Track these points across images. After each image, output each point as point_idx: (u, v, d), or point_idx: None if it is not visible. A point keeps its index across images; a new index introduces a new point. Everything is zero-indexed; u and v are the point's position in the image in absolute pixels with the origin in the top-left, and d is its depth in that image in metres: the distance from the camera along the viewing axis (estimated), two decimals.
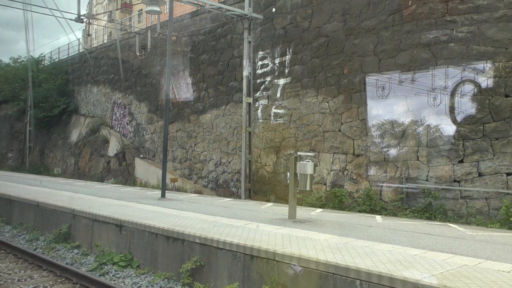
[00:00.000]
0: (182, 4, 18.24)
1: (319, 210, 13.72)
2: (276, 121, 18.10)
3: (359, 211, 13.77)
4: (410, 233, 9.23)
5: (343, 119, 15.62)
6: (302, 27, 17.42)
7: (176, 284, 8.03)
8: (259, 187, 18.26)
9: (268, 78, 18.63)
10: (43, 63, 40.36)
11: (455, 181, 12.79)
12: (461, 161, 12.76)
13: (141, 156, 26.35)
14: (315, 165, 10.40)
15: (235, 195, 18.95)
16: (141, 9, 42.71)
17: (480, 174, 12.45)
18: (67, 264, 9.45)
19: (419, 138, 13.53)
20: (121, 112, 29.38)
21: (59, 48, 39.96)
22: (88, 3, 54.25)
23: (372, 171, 14.53)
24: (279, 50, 18.33)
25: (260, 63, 19.10)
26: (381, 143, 14.46)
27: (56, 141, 35.43)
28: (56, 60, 39.47)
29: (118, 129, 29.60)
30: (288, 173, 16.31)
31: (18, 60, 42.82)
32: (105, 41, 36.07)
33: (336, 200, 14.55)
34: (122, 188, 21.12)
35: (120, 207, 12.10)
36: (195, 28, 22.93)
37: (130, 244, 9.51)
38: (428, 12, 13.62)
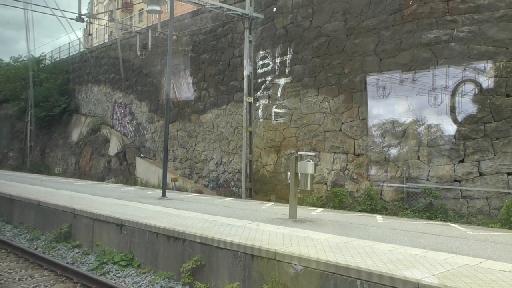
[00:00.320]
0: (182, 3, 18.26)
1: (319, 209, 13.71)
2: (276, 120, 18.10)
3: (360, 211, 13.77)
4: (410, 233, 9.23)
5: (344, 118, 15.62)
6: (303, 26, 17.42)
7: (177, 283, 8.03)
8: (260, 186, 18.26)
9: (269, 78, 18.63)
10: (44, 62, 40.37)
11: (456, 180, 12.78)
12: (462, 161, 12.76)
13: (142, 155, 26.36)
14: (316, 165, 10.39)
15: (235, 195, 18.95)
16: (142, 9, 42.72)
17: (481, 174, 12.44)
18: (67, 263, 9.45)
19: (420, 137, 13.52)
20: (122, 111, 29.39)
21: (59, 47, 40.01)
22: (89, 2, 54.28)
23: (373, 171, 14.52)
24: (279, 49, 18.32)
25: (260, 62, 19.10)
26: (381, 143, 14.45)
27: (56, 141, 35.46)
28: (57, 59, 39.48)
29: (118, 129, 29.61)
30: (289, 173, 16.34)
31: (19, 60, 42.83)
32: (106, 40, 36.09)
33: (336, 199, 14.55)
34: (123, 187, 21.13)
35: (120, 206, 12.10)
36: (196, 27, 22.93)
37: (130, 244, 9.51)
38: (429, 12, 13.61)
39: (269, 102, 18.53)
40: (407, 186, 13.50)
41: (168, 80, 15.57)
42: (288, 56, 17.91)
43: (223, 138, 20.69)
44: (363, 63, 15.18)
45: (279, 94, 18.11)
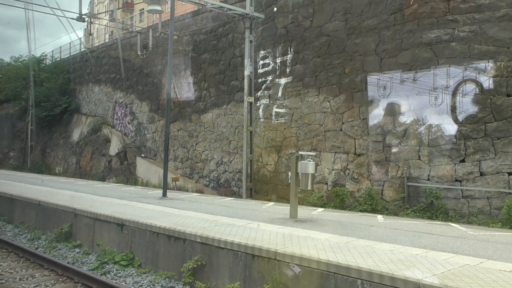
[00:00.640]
0: (183, 3, 18.26)
1: (320, 209, 13.71)
2: (277, 120, 18.09)
3: (361, 211, 13.76)
4: (411, 233, 9.22)
5: (345, 118, 15.61)
6: (304, 26, 17.41)
7: (177, 283, 8.04)
8: (261, 186, 18.27)
9: (270, 78, 18.63)
10: (44, 62, 40.40)
11: (456, 180, 12.77)
12: (462, 161, 12.75)
13: (143, 155, 26.37)
14: (317, 165, 10.38)
15: (236, 195, 18.96)
16: (143, 8, 42.74)
17: (481, 174, 12.43)
18: (68, 263, 9.46)
19: (421, 137, 13.52)
20: (123, 111, 29.41)
21: (60, 47, 40.04)
22: (90, 2, 54.30)
23: (374, 171, 14.52)
24: (280, 49, 18.32)
25: (261, 62, 19.10)
26: (382, 143, 14.44)
27: (57, 140, 35.49)
28: (58, 59, 39.51)
29: (119, 128, 29.63)
30: (290, 173, 16.34)
31: (20, 59, 42.87)
32: (107, 40, 36.11)
33: (337, 199, 14.54)
34: (124, 187, 21.14)
35: (121, 206, 12.11)
36: (197, 27, 22.93)
37: (131, 243, 9.52)
38: (430, 11, 13.60)
39: (269, 102, 18.53)
40: (408, 186, 13.50)
41: (169, 80, 15.57)
42: (288, 56, 17.90)
43: (223, 138, 20.70)
44: (364, 63, 15.17)
45: (279, 94, 18.11)
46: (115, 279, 8.50)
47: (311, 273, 6.18)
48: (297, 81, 17.44)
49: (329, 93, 16.15)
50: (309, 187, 9.90)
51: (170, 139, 23.27)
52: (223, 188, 20.15)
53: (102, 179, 27.58)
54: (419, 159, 13.49)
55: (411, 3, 14.03)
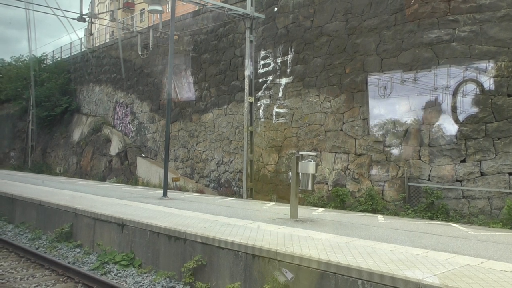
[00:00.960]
0: (184, 3, 18.26)
1: (321, 209, 13.71)
2: (278, 120, 18.09)
3: (361, 211, 13.76)
4: (412, 233, 9.22)
5: (345, 118, 15.60)
6: (304, 26, 17.41)
7: (178, 283, 8.03)
8: (261, 186, 18.26)
9: (270, 78, 18.63)
10: (45, 62, 40.42)
11: (457, 180, 12.76)
12: (463, 161, 12.74)
13: (143, 155, 26.38)
14: (317, 165, 10.37)
15: (236, 195, 18.95)
16: (143, 8, 42.76)
17: (482, 174, 12.42)
18: (69, 263, 9.46)
19: (421, 137, 13.51)
20: (123, 111, 29.42)
21: (61, 47, 40.05)
22: (90, 2, 54.33)
23: (374, 171, 14.51)
24: (281, 49, 18.32)
25: (262, 62, 19.10)
26: (383, 143, 14.44)
27: (58, 140, 35.50)
28: (58, 59, 39.52)
29: (120, 128, 29.64)
30: (290, 173, 16.34)
31: (21, 59, 42.88)
32: (107, 40, 36.12)
33: (338, 199, 14.54)
34: (124, 187, 21.15)
35: (122, 206, 12.11)
36: (197, 27, 22.93)
37: (132, 243, 9.52)
38: (430, 12, 13.59)
39: (270, 102, 18.53)
40: (408, 186, 13.49)
41: (170, 80, 15.57)
42: (289, 56, 17.90)
43: (224, 138, 20.70)
44: (365, 63, 15.17)
45: (280, 94, 18.11)
46: (116, 279, 8.50)
47: (312, 273, 6.18)
48: (297, 81, 17.44)
49: (330, 93, 16.14)
50: (310, 187, 9.90)
51: (170, 139, 23.26)
52: (224, 188, 20.15)
53: (103, 179, 27.59)
54: (420, 159, 13.48)
55: (411, 3, 14.02)
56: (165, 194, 15.16)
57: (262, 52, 19.08)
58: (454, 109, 13.00)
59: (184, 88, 23.76)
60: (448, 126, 13.03)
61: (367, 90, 14.98)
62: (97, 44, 34.96)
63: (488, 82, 12.56)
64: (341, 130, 15.68)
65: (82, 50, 35.10)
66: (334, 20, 16.36)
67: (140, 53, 22.49)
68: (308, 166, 9.73)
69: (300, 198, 13.57)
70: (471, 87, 12.79)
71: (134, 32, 27.17)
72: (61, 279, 8.56)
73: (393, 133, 14.21)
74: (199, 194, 19.19)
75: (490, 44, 12.63)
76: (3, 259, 10.07)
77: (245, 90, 17.74)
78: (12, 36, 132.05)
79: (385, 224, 10.61)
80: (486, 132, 12.48)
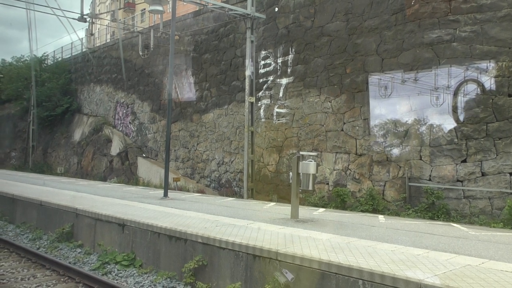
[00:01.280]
0: (185, 3, 18.25)
1: (321, 209, 13.70)
2: (278, 120, 18.09)
3: (362, 211, 13.75)
4: (412, 233, 9.21)
5: (346, 118, 15.60)
6: (305, 26, 17.41)
7: (179, 283, 8.04)
8: (262, 186, 18.26)
9: (271, 78, 18.63)
10: (46, 62, 40.46)
11: (458, 180, 12.76)
12: (464, 161, 12.73)
13: (144, 155, 26.39)
14: (318, 165, 10.38)
15: (237, 195, 18.95)
16: (144, 9, 42.77)
17: (483, 174, 12.41)
18: (70, 263, 9.47)
19: (422, 137, 13.50)
20: (124, 111, 29.43)
21: (62, 47, 40.08)
22: (91, 2, 54.37)
23: (375, 171, 14.51)
24: (281, 49, 18.32)
25: (262, 62, 19.10)
26: (383, 143, 14.43)
27: (59, 140, 35.52)
28: (59, 59, 39.55)
29: (120, 129, 29.65)
30: (291, 173, 16.33)
31: (21, 59, 42.94)
32: (108, 40, 36.14)
33: (338, 199, 14.53)
34: (125, 187, 21.16)
35: (122, 206, 12.12)
36: (198, 27, 22.94)
37: (132, 244, 9.52)
38: (431, 12, 13.59)
39: (271, 102, 18.53)
40: (409, 186, 13.48)
41: (170, 80, 15.58)
42: (290, 56, 17.90)
43: (225, 138, 20.70)
44: (365, 63, 15.16)
45: (281, 94, 18.11)
46: (117, 279, 8.50)
47: (312, 273, 6.17)
48: (298, 81, 17.44)
49: (330, 93, 16.14)
50: (310, 188, 9.89)
51: (171, 139, 23.26)
52: (224, 188, 20.15)
53: (104, 179, 27.60)
54: (421, 159, 13.47)
55: (412, 3, 14.02)
56: (165, 194, 15.16)
57: (263, 52, 19.08)
58: (455, 109, 12.99)
59: (184, 88, 23.77)
60: (449, 126, 13.02)
61: (368, 90, 14.97)
62: (98, 44, 34.99)
63: (489, 82, 12.55)
64: (342, 130, 15.67)
65: (83, 50, 35.14)
66: (334, 20, 16.35)
67: (140, 53, 22.50)
68: (309, 166, 9.73)
69: (301, 198, 13.56)
70: (472, 87, 12.79)
71: (135, 32, 27.19)
72: (62, 279, 8.56)
73: (393, 133, 14.20)
74: (199, 194, 19.19)
75: (491, 44, 12.62)
76: (4, 259, 10.08)
77: (246, 90, 17.74)
78: (13, 36, 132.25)
79: (386, 224, 10.60)
80: (487, 132, 12.47)
